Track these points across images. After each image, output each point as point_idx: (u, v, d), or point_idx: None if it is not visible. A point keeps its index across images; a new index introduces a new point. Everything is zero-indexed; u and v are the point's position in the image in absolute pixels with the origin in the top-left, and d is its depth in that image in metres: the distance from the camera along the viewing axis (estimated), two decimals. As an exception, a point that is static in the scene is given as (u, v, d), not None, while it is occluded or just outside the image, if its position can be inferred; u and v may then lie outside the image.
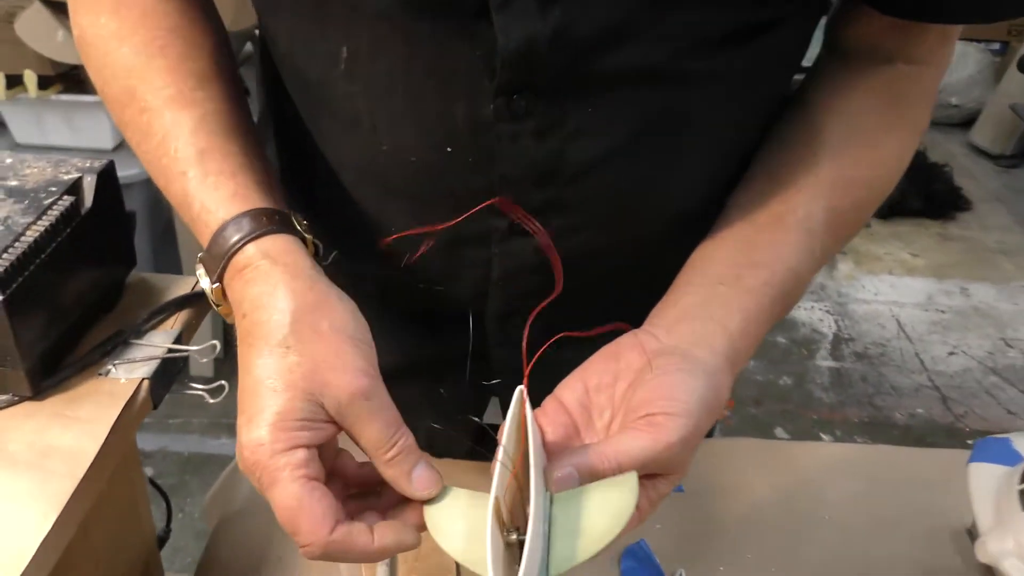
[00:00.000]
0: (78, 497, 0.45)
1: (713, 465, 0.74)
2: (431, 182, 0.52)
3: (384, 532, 0.42)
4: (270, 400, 0.41)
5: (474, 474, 0.72)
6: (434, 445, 0.76)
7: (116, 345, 0.55)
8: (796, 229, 0.51)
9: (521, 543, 0.41)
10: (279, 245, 0.45)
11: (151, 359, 0.55)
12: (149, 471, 1.91)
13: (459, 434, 0.68)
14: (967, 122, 3.46)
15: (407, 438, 0.43)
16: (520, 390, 0.46)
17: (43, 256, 0.50)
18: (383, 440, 0.42)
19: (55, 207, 0.52)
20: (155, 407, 0.54)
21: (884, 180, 0.55)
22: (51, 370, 0.52)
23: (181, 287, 0.62)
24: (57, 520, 0.43)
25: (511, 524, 0.44)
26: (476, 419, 0.64)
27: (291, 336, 0.42)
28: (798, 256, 0.51)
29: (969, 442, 2.05)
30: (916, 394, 2.17)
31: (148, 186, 1.70)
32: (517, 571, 0.40)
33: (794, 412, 2.09)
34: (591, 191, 0.52)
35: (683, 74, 0.47)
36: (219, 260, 0.45)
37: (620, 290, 0.60)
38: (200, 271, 0.47)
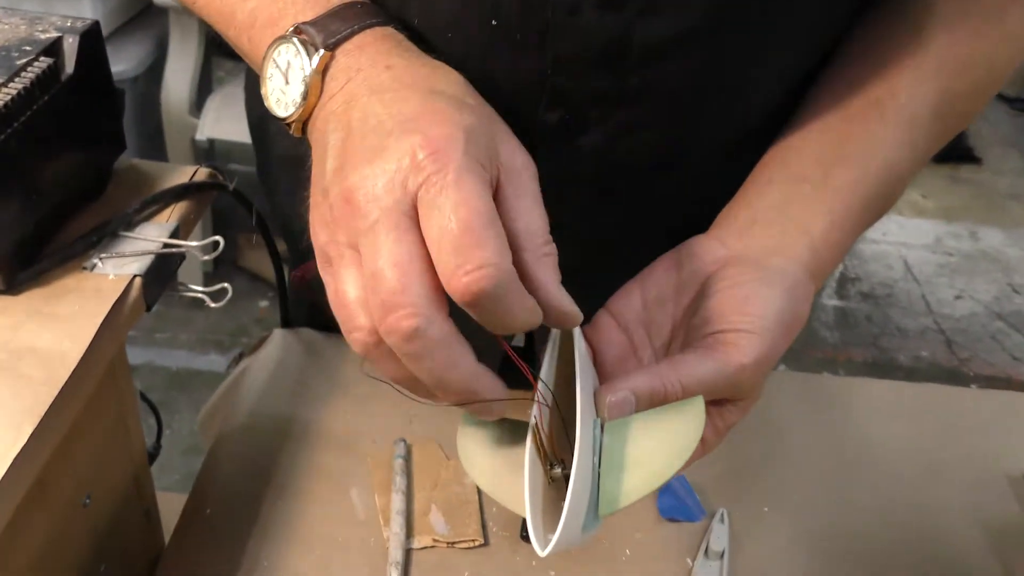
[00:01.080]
0: (59, 406, 0.38)
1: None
2: (469, 63, 0.44)
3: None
4: (458, 111, 0.33)
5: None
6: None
7: (103, 236, 0.48)
8: (896, 117, 0.44)
9: (566, 478, 0.35)
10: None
11: (144, 254, 0.47)
12: (136, 385, 1.86)
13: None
14: (984, 62, 3.37)
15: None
16: None
17: (16, 124, 0.42)
18: (546, 227, 0.34)
19: (30, 69, 0.44)
20: (148, 309, 0.47)
21: (1007, 59, 0.47)
22: (28, 261, 0.45)
23: (177, 176, 0.54)
24: (34, 432, 0.37)
25: (554, 457, 0.37)
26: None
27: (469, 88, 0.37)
28: (897, 149, 0.44)
29: (973, 387, 2.03)
30: (921, 337, 2.14)
31: (137, 84, 1.60)
32: (560, 510, 0.34)
33: (798, 351, 2.05)
34: (661, 79, 0.44)
35: None
36: (350, 23, 0.38)
37: (679, 211, 0.53)
38: (289, 45, 0.39)
